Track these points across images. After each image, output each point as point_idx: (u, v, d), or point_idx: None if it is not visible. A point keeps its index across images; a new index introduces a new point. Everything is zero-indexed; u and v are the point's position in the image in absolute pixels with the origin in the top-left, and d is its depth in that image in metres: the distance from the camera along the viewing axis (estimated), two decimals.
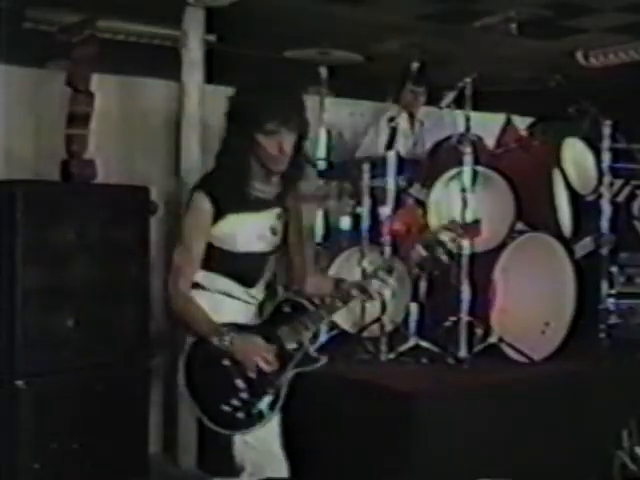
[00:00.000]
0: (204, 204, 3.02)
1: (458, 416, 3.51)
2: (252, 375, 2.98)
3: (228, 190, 3.03)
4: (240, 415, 2.96)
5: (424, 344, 3.99)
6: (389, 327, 4.06)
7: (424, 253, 3.15)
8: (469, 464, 3.45)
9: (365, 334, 4.10)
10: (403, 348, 4.01)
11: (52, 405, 3.82)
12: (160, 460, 4.59)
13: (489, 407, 3.61)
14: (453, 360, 3.92)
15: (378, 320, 4.03)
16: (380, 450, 3.48)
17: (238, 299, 3.14)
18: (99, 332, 3.98)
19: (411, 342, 4.02)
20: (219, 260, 3.08)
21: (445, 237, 3.18)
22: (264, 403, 2.99)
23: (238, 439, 3.05)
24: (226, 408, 2.96)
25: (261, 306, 3.20)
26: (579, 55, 5.71)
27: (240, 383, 2.98)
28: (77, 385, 3.91)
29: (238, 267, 3.11)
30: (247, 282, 3.14)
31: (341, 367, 3.83)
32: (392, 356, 3.98)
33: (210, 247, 3.07)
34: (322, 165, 4.65)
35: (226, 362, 2.98)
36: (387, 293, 3.27)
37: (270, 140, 3.00)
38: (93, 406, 3.93)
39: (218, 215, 3.03)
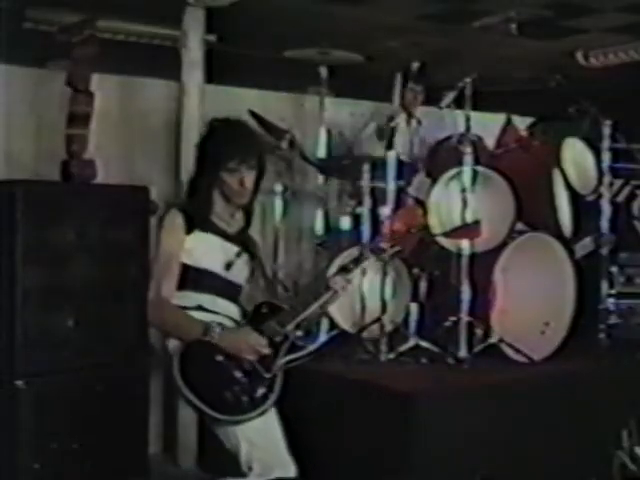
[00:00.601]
0: (177, 218, 3.37)
1: (458, 416, 3.51)
2: (247, 365, 3.16)
3: (196, 214, 3.39)
4: (244, 398, 3.11)
5: (424, 344, 3.99)
6: (389, 327, 4.06)
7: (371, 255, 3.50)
8: (469, 464, 3.45)
9: (365, 334, 4.10)
10: (403, 348, 4.00)
11: (52, 405, 3.81)
12: (160, 460, 4.59)
13: (489, 407, 3.61)
14: (453, 360, 3.92)
15: (378, 320, 4.03)
16: (380, 450, 3.48)
17: (217, 313, 3.33)
18: (99, 332, 3.97)
19: (411, 342, 4.02)
20: (194, 279, 3.35)
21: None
22: (264, 386, 3.16)
23: (243, 440, 3.12)
24: (228, 395, 3.10)
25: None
26: (579, 55, 5.71)
27: (237, 373, 3.15)
28: (77, 385, 3.90)
29: (213, 284, 3.36)
30: (226, 296, 3.39)
31: (341, 367, 3.83)
32: (392, 356, 3.98)
33: (185, 269, 3.34)
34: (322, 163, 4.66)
35: (219, 358, 3.15)
36: (345, 290, 3.47)
37: (232, 177, 3.37)
38: (93, 406, 3.92)
39: (188, 230, 3.33)
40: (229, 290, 3.43)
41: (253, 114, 4.87)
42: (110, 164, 4.36)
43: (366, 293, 4.10)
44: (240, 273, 3.46)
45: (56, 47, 4.21)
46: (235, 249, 3.44)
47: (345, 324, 4.26)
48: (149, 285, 4.17)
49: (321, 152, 4.70)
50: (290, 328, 3.30)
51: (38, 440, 3.78)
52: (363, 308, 4.08)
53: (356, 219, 4.38)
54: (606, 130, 4.47)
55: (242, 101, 5.00)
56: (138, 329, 4.13)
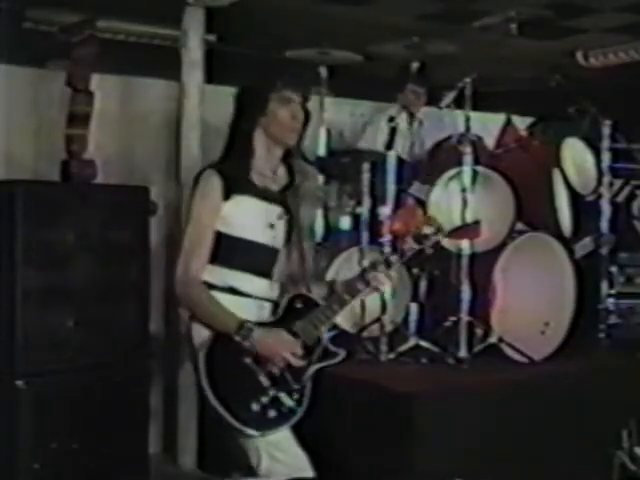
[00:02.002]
0: (214, 180, 2.96)
1: (458, 416, 3.51)
2: (276, 371, 2.92)
3: (235, 174, 2.99)
4: (271, 413, 2.90)
5: (424, 344, 3.99)
6: (389, 327, 4.05)
7: (416, 246, 3.20)
8: (469, 464, 3.45)
9: (365, 334, 4.10)
10: (403, 348, 4.00)
11: (52, 405, 3.82)
12: (160, 460, 4.59)
13: (489, 407, 3.61)
14: (453, 360, 3.92)
15: (378, 320, 4.03)
16: (380, 450, 3.48)
17: (250, 296, 3.04)
18: (99, 332, 3.98)
19: (411, 342, 4.02)
20: (227, 250, 2.99)
21: (427, 230, 3.23)
22: (292, 399, 2.95)
23: (265, 454, 2.94)
24: (256, 407, 2.87)
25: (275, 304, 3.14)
26: (579, 55, 5.71)
27: (264, 380, 2.92)
28: (77, 385, 3.90)
29: (250, 257, 3.03)
30: (260, 273, 3.05)
31: (341, 367, 3.83)
32: (392, 356, 3.98)
33: (218, 237, 2.98)
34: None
35: (247, 360, 2.90)
36: (388, 286, 3.24)
37: (284, 108, 3.02)
38: (93, 406, 3.92)
39: (226, 195, 2.96)
40: (265, 262, 3.08)
41: None
42: (110, 164, 4.36)
43: None
44: (279, 236, 3.11)
45: (56, 47, 4.22)
46: (278, 210, 3.09)
47: (345, 324, 4.26)
48: (149, 284, 4.20)
49: (321, 152, 4.70)
50: (324, 330, 3.05)
51: (38, 440, 3.79)
52: (363, 308, 4.08)
53: (356, 219, 4.37)
54: (606, 130, 4.47)
55: None
56: (138, 329, 4.14)
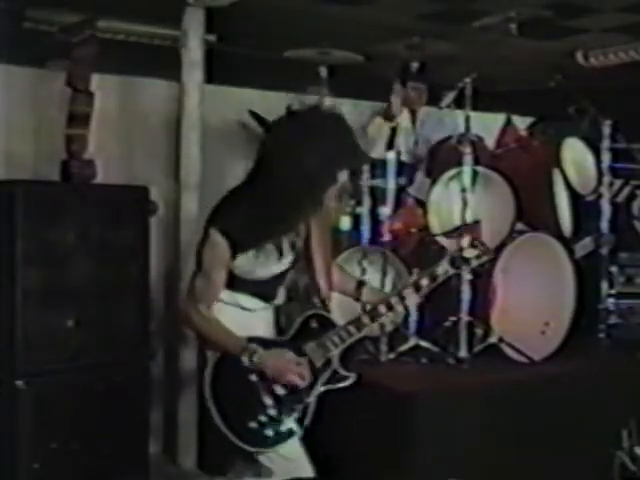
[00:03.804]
0: (220, 244, 2.91)
1: (458, 416, 3.51)
2: (281, 392, 2.93)
3: (250, 232, 2.92)
4: (269, 432, 2.90)
5: (424, 344, 4.00)
6: (389, 327, 4.05)
7: (451, 271, 3.13)
8: (469, 464, 3.45)
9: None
10: (403, 348, 4.01)
11: (52, 405, 3.82)
12: (160, 460, 4.59)
13: (489, 407, 3.61)
14: (453, 360, 3.92)
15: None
16: (380, 450, 3.49)
17: (257, 311, 3.08)
18: (99, 332, 3.98)
19: (411, 342, 4.02)
20: (237, 281, 3.01)
21: (470, 254, 3.16)
22: (292, 420, 2.94)
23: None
24: (253, 425, 2.89)
25: (289, 320, 3.12)
26: (579, 55, 5.70)
27: (268, 400, 2.93)
28: (77, 385, 3.90)
29: (254, 287, 3.04)
30: (266, 298, 3.09)
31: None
32: (392, 356, 3.98)
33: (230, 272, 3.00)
34: None
35: (253, 378, 2.92)
36: (406, 308, 3.25)
37: (331, 190, 2.95)
38: (93, 406, 3.92)
39: (233, 256, 2.94)
40: (271, 289, 3.10)
41: (253, 114, 4.88)
42: (110, 164, 4.36)
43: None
44: (286, 261, 3.07)
45: (56, 47, 4.22)
46: (288, 240, 3.03)
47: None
48: (149, 284, 4.20)
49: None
50: (336, 352, 3.02)
51: (38, 440, 3.79)
52: (363, 308, 4.08)
53: (356, 219, 4.37)
54: (606, 130, 4.47)
55: (242, 101, 5.00)
56: (138, 329, 4.14)
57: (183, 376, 4.56)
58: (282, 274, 3.11)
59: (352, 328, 3.07)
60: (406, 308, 3.18)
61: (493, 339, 3.99)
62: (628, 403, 3.96)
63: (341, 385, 3.04)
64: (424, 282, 3.12)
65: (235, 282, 3.02)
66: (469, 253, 3.14)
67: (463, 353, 3.92)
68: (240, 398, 2.91)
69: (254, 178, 2.96)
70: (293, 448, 3.02)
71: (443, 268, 3.13)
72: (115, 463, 3.98)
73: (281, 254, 3.02)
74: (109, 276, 4.03)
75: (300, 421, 2.97)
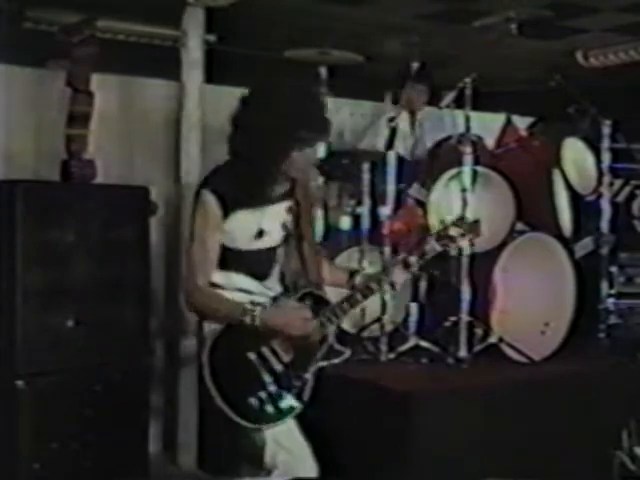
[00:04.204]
0: (212, 203, 3.00)
1: (458, 416, 3.51)
2: (279, 369, 2.97)
3: (237, 190, 3.01)
4: (269, 408, 2.96)
5: (424, 344, 3.99)
6: (389, 327, 4.05)
7: (439, 248, 3.20)
8: (469, 464, 3.45)
9: (365, 334, 4.10)
10: (403, 348, 4.00)
11: (52, 405, 3.82)
12: (160, 460, 4.59)
13: (489, 407, 3.61)
14: (453, 360, 3.92)
15: (378, 320, 4.03)
16: (380, 450, 3.48)
17: (256, 294, 3.10)
18: (99, 332, 3.98)
19: (411, 342, 4.02)
20: (230, 258, 3.08)
21: (454, 232, 3.23)
22: (292, 396, 3.00)
23: (270, 440, 3.01)
24: (253, 401, 2.94)
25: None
26: (579, 55, 5.71)
27: (267, 377, 2.98)
28: (77, 385, 3.91)
29: (247, 263, 3.10)
30: (258, 276, 3.13)
31: (341, 367, 3.83)
32: (392, 356, 3.98)
33: (223, 246, 3.07)
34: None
35: (252, 356, 2.97)
36: (394, 285, 3.25)
37: (302, 153, 3.00)
38: (93, 406, 3.93)
39: (225, 215, 3.02)
40: (262, 265, 3.13)
41: None
42: (110, 164, 4.36)
43: None
44: (273, 237, 3.13)
45: (56, 47, 4.21)
46: (272, 213, 3.09)
47: (345, 324, 4.26)
48: (149, 284, 4.20)
49: (321, 153, 4.69)
50: (332, 328, 3.09)
51: (38, 440, 3.79)
52: (363, 308, 4.08)
53: (356, 219, 4.37)
54: (606, 130, 4.47)
55: None
56: (138, 329, 4.14)
57: (183, 375, 4.56)
58: (273, 250, 3.15)
59: (346, 305, 3.13)
60: (394, 285, 3.21)
61: (493, 339, 3.98)
62: (628, 403, 3.96)
63: (337, 361, 3.10)
64: (412, 259, 3.19)
65: (228, 261, 3.07)
66: (454, 231, 3.22)
67: (463, 353, 3.92)
68: (239, 376, 2.95)
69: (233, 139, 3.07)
70: (297, 441, 3.07)
71: (430, 246, 3.20)
72: (115, 463, 3.98)
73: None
74: (109, 276, 4.04)
75: (299, 395, 3.02)
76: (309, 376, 3.04)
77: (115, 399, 3.99)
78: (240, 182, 3.01)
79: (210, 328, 3.05)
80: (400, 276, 3.20)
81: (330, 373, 3.27)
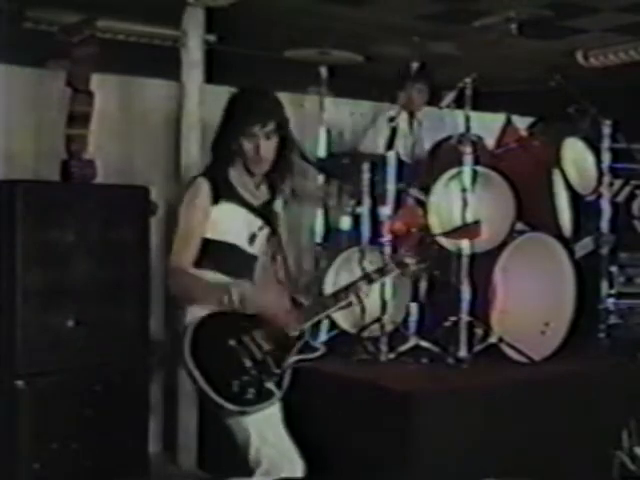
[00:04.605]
0: (203, 185, 3.18)
1: (458, 416, 3.51)
2: (259, 356, 3.04)
3: (219, 182, 3.21)
4: (250, 392, 3.01)
5: (424, 344, 3.99)
6: (389, 327, 4.05)
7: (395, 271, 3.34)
8: (469, 464, 3.45)
9: (365, 334, 4.10)
10: (403, 348, 4.00)
11: (52, 405, 3.82)
12: (160, 460, 4.59)
13: (489, 407, 3.61)
14: (453, 360, 3.92)
15: (378, 320, 4.03)
16: (380, 450, 3.48)
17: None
18: (99, 332, 3.98)
19: (411, 342, 4.02)
20: (213, 254, 3.20)
21: (410, 261, 3.35)
22: (272, 381, 3.06)
23: (255, 434, 3.06)
24: (236, 385, 3.00)
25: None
26: (579, 55, 5.71)
27: (247, 362, 3.04)
28: (77, 385, 3.91)
29: (231, 260, 3.22)
30: (241, 277, 3.20)
31: (341, 367, 3.83)
32: (392, 356, 3.98)
33: (205, 243, 3.19)
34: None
35: (232, 342, 3.04)
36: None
37: (249, 143, 3.20)
38: (93, 406, 3.93)
39: (215, 199, 3.18)
40: (245, 267, 3.29)
41: None
42: (110, 164, 4.36)
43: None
44: (258, 245, 3.32)
45: (56, 47, 4.21)
46: (259, 222, 3.29)
47: (345, 324, 4.26)
48: (149, 284, 4.20)
49: (321, 152, 4.69)
50: (307, 327, 3.19)
51: (38, 440, 3.79)
52: (363, 308, 4.08)
53: (356, 219, 4.37)
54: (606, 130, 4.47)
55: None
56: (138, 329, 4.14)
57: (183, 375, 4.55)
58: (251, 258, 3.29)
59: (319, 308, 3.24)
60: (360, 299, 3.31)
61: (493, 339, 3.98)
62: (628, 403, 3.96)
63: (312, 356, 3.18)
64: (375, 275, 3.34)
65: (206, 259, 3.18)
66: (409, 260, 3.35)
67: (463, 353, 3.92)
68: (221, 361, 3.02)
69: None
70: (281, 437, 3.12)
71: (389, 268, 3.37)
72: (115, 463, 3.98)
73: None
74: (109, 276, 4.04)
75: (279, 383, 3.08)
76: (287, 366, 3.11)
77: (115, 399, 3.99)
78: (220, 174, 3.24)
79: (193, 317, 3.12)
80: (365, 289, 3.31)
81: (330, 373, 3.28)
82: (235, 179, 3.26)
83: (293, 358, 3.13)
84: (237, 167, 3.27)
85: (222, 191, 3.20)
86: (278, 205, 3.38)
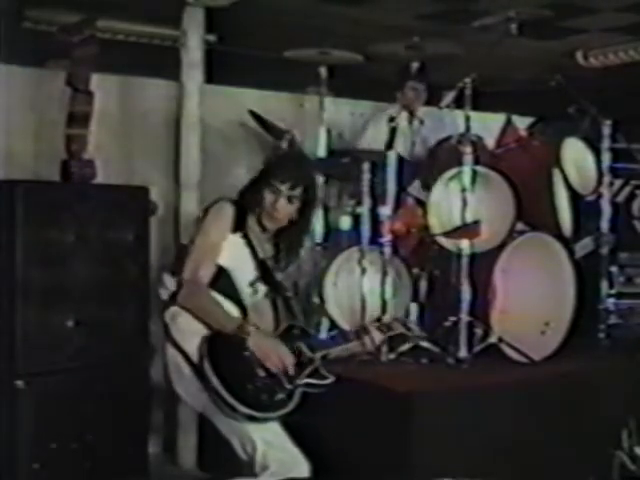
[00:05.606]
0: (229, 209, 3.28)
1: (458, 416, 3.51)
2: (275, 369, 3.11)
3: (244, 215, 3.31)
4: (264, 396, 3.06)
5: (424, 344, 3.99)
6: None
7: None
8: (469, 464, 3.45)
9: None
10: (403, 348, 4.00)
11: (52, 405, 3.82)
12: (160, 460, 4.59)
13: (489, 407, 3.61)
14: (453, 360, 3.92)
15: (378, 320, 4.03)
16: (380, 450, 3.48)
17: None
18: (99, 332, 3.98)
19: (411, 342, 4.02)
20: (217, 279, 3.25)
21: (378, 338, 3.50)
22: (284, 392, 3.11)
23: (259, 440, 3.09)
24: (250, 387, 3.05)
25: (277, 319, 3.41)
26: (579, 55, 5.71)
27: (261, 372, 3.10)
28: (77, 385, 3.91)
29: (233, 289, 3.27)
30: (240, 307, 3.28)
31: (341, 367, 3.83)
32: (392, 356, 3.98)
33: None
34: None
35: (246, 353, 3.10)
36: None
37: (270, 195, 3.30)
38: (93, 406, 3.93)
39: (235, 227, 3.26)
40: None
41: (253, 114, 4.87)
42: (110, 164, 4.36)
43: (366, 293, 4.10)
44: (259, 294, 3.40)
45: (56, 47, 4.21)
46: (255, 273, 3.35)
47: (345, 324, 4.26)
48: (149, 284, 4.20)
49: (321, 152, 4.69)
50: (318, 356, 3.27)
51: (38, 440, 3.79)
52: (363, 308, 4.08)
53: (356, 219, 4.37)
54: (606, 130, 4.47)
55: (242, 101, 5.00)
56: (138, 329, 4.14)
57: None
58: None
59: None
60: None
61: (493, 339, 3.99)
62: (628, 403, 3.96)
63: (322, 383, 3.24)
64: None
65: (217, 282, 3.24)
66: (377, 337, 3.48)
67: (463, 353, 3.92)
68: (236, 368, 3.08)
69: None
70: (286, 441, 3.15)
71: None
72: (115, 463, 3.98)
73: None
74: (109, 276, 4.04)
75: (289, 396, 3.13)
76: (297, 385, 3.15)
77: (115, 399, 3.99)
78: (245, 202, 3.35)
79: (190, 326, 3.18)
80: (378, 336, 3.47)
81: (330, 373, 3.28)
82: (249, 227, 3.33)
83: (303, 380, 3.17)
84: (252, 217, 3.33)
85: (242, 222, 3.29)
86: (278, 274, 3.45)
